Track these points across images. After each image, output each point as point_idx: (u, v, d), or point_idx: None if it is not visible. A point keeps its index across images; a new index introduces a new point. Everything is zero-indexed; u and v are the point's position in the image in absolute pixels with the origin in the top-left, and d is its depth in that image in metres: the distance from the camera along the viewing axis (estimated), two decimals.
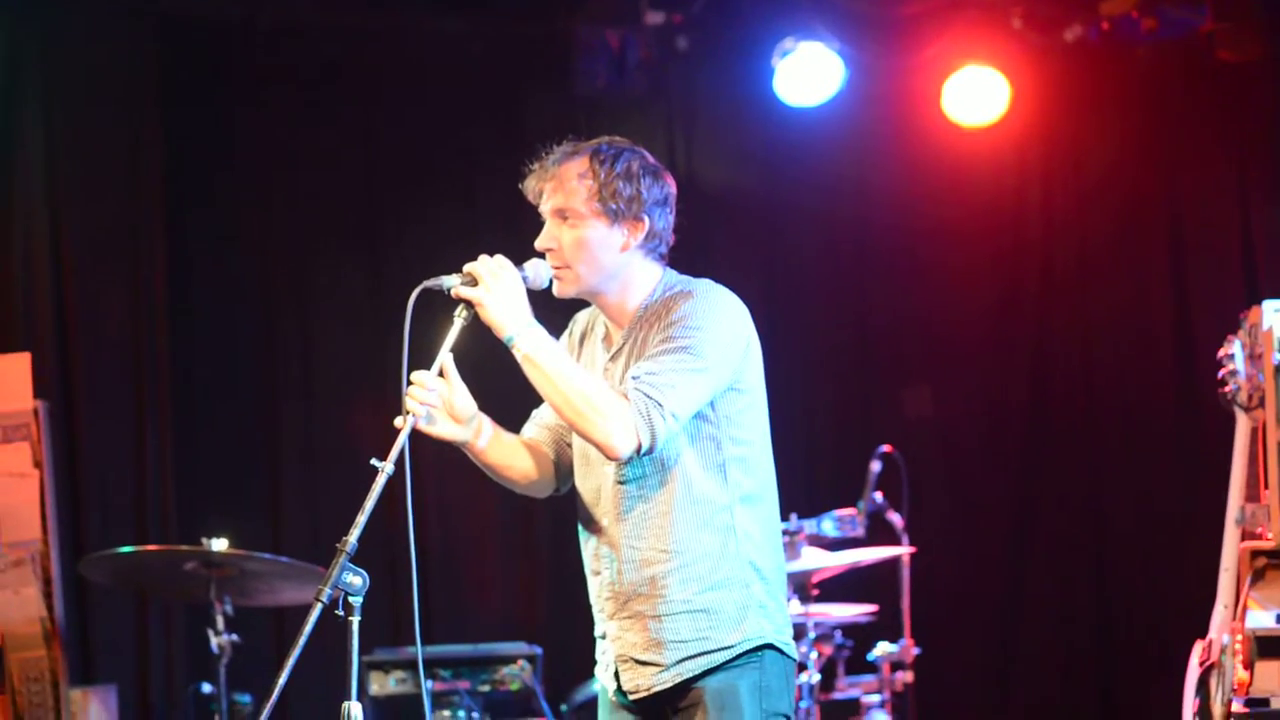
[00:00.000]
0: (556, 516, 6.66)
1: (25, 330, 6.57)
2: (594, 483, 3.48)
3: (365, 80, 7.30)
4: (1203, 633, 4.90)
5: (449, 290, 3.31)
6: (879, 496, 6.39)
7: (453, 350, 3.32)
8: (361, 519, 3.13)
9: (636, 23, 7.25)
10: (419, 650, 3.55)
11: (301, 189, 7.23)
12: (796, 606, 5.91)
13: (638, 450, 3.28)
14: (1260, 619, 4.64)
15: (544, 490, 3.64)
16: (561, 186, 3.42)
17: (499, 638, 6.11)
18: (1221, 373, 5.02)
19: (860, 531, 6.20)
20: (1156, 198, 7.43)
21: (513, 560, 7.38)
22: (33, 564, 5.78)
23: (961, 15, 7.15)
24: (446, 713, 5.72)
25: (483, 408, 3.46)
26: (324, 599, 3.07)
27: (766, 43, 7.19)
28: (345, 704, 3.08)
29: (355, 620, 3.10)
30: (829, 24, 7.10)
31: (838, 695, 6.29)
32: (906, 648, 6.34)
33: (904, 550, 6.37)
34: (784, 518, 5.13)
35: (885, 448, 6.50)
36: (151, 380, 6.82)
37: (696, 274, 3.52)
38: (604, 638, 3.50)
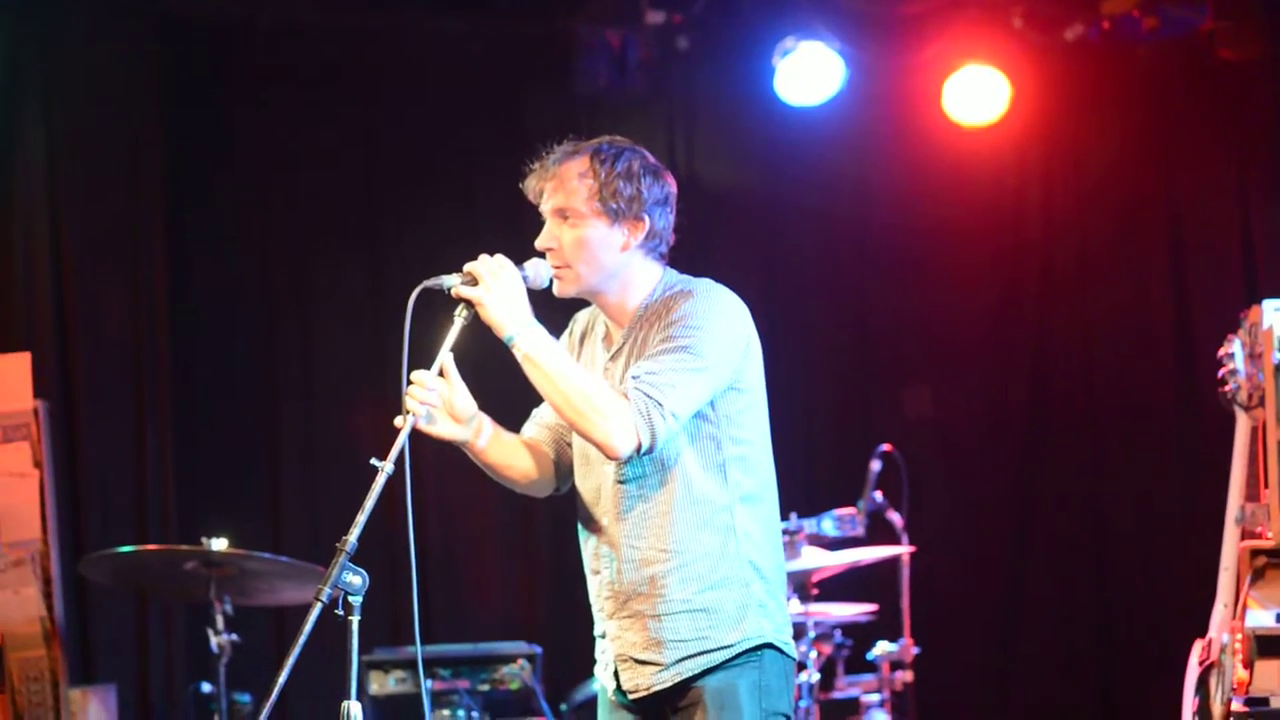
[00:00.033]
0: (556, 516, 6.66)
1: (25, 330, 6.57)
2: (594, 482, 3.48)
3: (365, 80, 7.30)
4: (1203, 632, 4.90)
5: (449, 290, 3.30)
6: (879, 496, 6.39)
7: (453, 350, 3.32)
8: (361, 519, 3.13)
9: (637, 22, 7.25)
10: (419, 650, 3.55)
11: (301, 189, 7.23)
12: (796, 606, 5.91)
13: (638, 450, 3.28)
14: (1260, 618, 4.64)
15: (544, 490, 3.64)
16: (562, 186, 3.42)
17: (499, 637, 6.11)
18: (1221, 372, 5.02)
19: (860, 531, 6.20)
20: (1156, 198, 7.43)
21: (513, 560, 7.37)
22: (33, 564, 5.78)
23: (962, 15, 7.15)
24: (446, 712, 5.72)
25: (483, 407, 3.46)
26: (324, 598, 3.07)
27: (767, 42, 7.19)
28: (345, 703, 3.08)
29: (355, 620, 3.10)
30: (829, 23, 7.10)
31: (837, 694, 6.29)
32: (906, 647, 6.34)
33: (904, 550, 6.37)
34: (784, 517, 5.13)
35: (885, 447, 6.50)
36: (151, 380, 6.82)
37: (696, 274, 3.52)
38: (603, 637, 3.50)
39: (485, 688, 5.79)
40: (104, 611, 6.61)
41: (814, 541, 6.04)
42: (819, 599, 6.09)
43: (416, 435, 3.30)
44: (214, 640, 5.36)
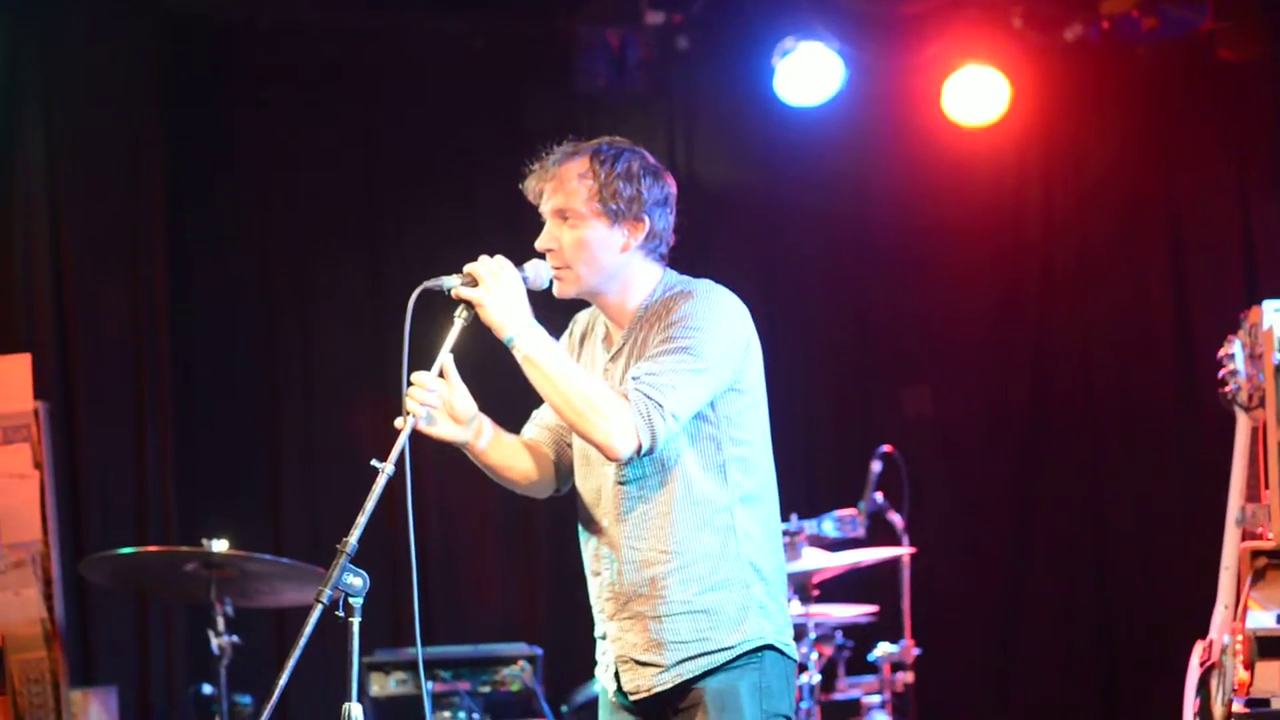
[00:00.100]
0: (556, 516, 6.66)
1: (25, 330, 6.57)
2: (594, 483, 3.48)
3: (365, 80, 7.30)
4: (1203, 633, 4.90)
5: (449, 291, 3.30)
6: (879, 496, 6.39)
7: (453, 351, 3.32)
8: (362, 520, 3.13)
9: (637, 22, 7.25)
10: (419, 651, 3.56)
11: (301, 189, 7.23)
12: (797, 607, 5.90)
13: (638, 451, 3.28)
14: (1261, 619, 4.64)
15: (544, 491, 3.63)
16: (562, 187, 3.42)
17: (499, 638, 6.11)
18: (1221, 373, 5.02)
19: (861, 532, 6.20)
20: (1156, 198, 7.43)
21: (513, 560, 7.37)
22: (33, 565, 5.78)
23: (961, 15, 7.15)
24: (447, 714, 5.72)
25: (483, 408, 3.46)
26: (324, 600, 3.07)
27: (767, 42, 7.19)
28: (346, 705, 3.08)
29: (356, 621, 3.10)
30: (829, 24, 7.10)
31: (838, 696, 6.29)
32: (907, 648, 6.34)
33: (904, 550, 6.37)
34: (784, 518, 5.12)
35: (885, 448, 6.50)
36: (151, 380, 6.82)
37: (696, 274, 3.52)
38: (604, 638, 3.50)
39: (486, 689, 5.79)
40: (104, 613, 6.61)
41: (814, 542, 6.03)
42: (820, 600, 6.09)
43: (416, 436, 3.29)
44: (215, 642, 5.36)
